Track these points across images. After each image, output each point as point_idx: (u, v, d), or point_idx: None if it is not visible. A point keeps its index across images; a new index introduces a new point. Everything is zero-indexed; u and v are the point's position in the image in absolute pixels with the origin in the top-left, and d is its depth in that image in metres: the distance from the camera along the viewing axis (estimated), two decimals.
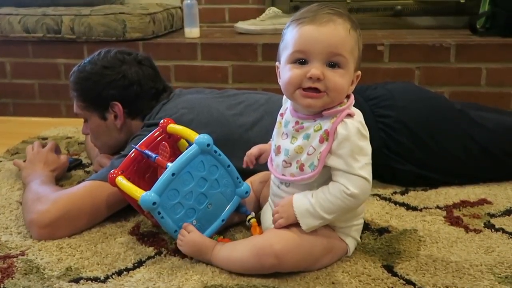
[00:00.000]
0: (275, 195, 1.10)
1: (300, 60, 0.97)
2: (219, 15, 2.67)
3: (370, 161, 0.98)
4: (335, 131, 0.96)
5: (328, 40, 0.95)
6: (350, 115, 0.98)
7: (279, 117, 1.09)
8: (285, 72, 0.99)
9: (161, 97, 1.48)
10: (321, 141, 0.98)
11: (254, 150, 1.18)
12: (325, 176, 1.00)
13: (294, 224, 1.02)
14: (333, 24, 0.95)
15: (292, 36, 0.98)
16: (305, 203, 0.99)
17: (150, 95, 1.46)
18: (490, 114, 1.52)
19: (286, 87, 1.00)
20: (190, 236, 1.06)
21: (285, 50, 1.00)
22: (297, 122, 1.03)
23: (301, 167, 1.01)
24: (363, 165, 0.96)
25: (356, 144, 0.95)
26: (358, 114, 1.00)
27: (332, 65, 0.96)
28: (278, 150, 1.06)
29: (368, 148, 0.98)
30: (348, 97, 1.02)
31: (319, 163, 0.98)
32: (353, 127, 0.96)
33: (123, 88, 1.42)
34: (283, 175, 1.05)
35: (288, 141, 1.04)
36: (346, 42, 0.96)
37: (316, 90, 0.96)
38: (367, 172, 0.97)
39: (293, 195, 1.02)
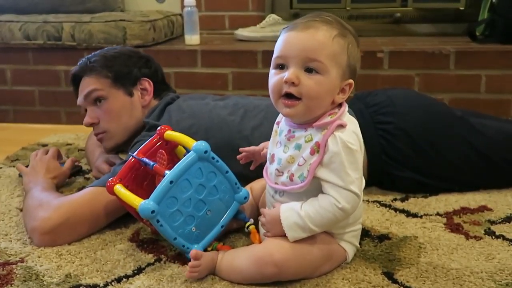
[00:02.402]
0: (269, 204, 1.10)
1: (280, 65, 0.98)
2: (219, 22, 2.68)
3: (361, 174, 0.98)
4: (326, 144, 0.96)
5: (303, 45, 0.95)
6: (342, 126, 0.97)
7: (275, 126, 1.10)
8: (270, 79, 1.01)
9: (169, 88, 1.59)
10: (312, 153, 0.98)
11: (260, 146, 1.18)
12: (317, 186, 0.99)
13: None
14: (313, 30, 0.96)
15: (277, 43, 1.00)
16: (294, 216, 0.99)
17: (164, 82, 1.59)
18: (490, 122, 1.52)
19: (271, 95, 1.01)
20: (202, 263, 1.03)
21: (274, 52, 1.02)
22: (289, 131, 1.03)
23: (291, 177, 1.01)
24: (354, 179, 0.96)
25: (347, 159, 0.95)
26: (352, 124, 1.00)
27: (310, 70, 0.96)
28: (272, 158, 1.07)
29: (359, 162, 0.97)
30: (340, 105, 1.02)
31: (309, 174, 0.98)
32: (342, 142, 0.95)
33: (152, 69, 1.53)
34: (276, 183, 1.05)
35: (281, 149, 1.04)
36: (325, 47, 0.95)
37: (291, 96, 0.96)
38: (358, 187, 0.96)
39: (280, 207, 1.01)
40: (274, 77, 0.99)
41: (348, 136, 0.96)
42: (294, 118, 1.01)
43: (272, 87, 0.99)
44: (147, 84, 1.48)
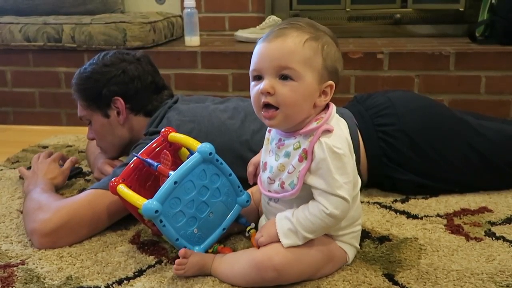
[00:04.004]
0: (265, 211, 1.11)
1: (257, 76, 0.99)
2: (219, 23, 2.68)
3: (351, 179, 0.98)
4: (312, 150, 0.96)
5: (274, 55, 0.96)
6: (328, 131, 0.97)
7: (267, 134, 1.10)
8: (251, 91, 1.01)
9: (162, 93, 1.50)
10: (300, 160, 0.98)
11: (250, 168, 1.19)
12: (309, 192, 0.99)
13: None
14: (282, 38, 0.96)
15: (252, 55, 1.01)
16: (287, 223, 1.00)
17: (151, 89, 1.49)
18: (490, 123, 1.51)
19: (253, 107, 1.02)
20: (189, 262, 1.04)
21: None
22: (279, 140, 1.04)
23: (282, 185, 1.02)
24: (342, 184, 0.96)
25: (334, 164, 0.95)
26: (339, 128, 0.99)
27: (284, 77, 0.96)
28: (264, 166, 1.07)
29: (348, 166, 0.97)
30: (327, 107, 1.02)
31: (299, 181, 0.98)
32: (328, 147, 0.95)
33: (124, 83, 1.44)
34: (269, 191, 1.06)
35: (273, 158, 1.05)
36: (296, 53, 0.95)
37: (270, 106, 0.97)
38: (346, 192, 0.96)
39: (276, 216, 1.02)
40: (253, 89, 1.00)
41: (334, 140, 0.96)
42: (277, 127, 1.02)
43: (253, 100, 1.01)
44: (119, 103, 1.44)
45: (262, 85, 0.97)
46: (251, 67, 1.00)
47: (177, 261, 1.04)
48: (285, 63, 0.95)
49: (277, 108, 0.97)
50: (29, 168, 1.56)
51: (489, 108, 2.03)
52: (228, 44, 2.39)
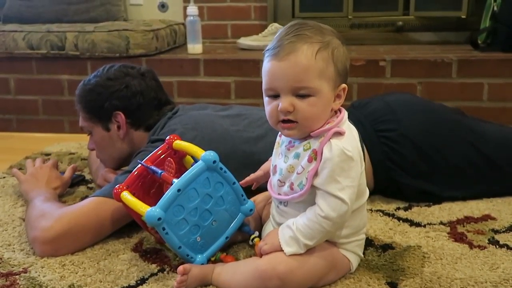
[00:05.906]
0: (275, 214, 1.10)
1: (273, 95, 0.99)
2: (221, 31, 2.69)
3: (355, 183, 0.97)
4: (322, 151, 0.96)
5: (288, 74, 0.95)
6: (339, 133, 0.97)
7: (278, 138, 1.10)
8: (266, 105, 1.01)
9: (164, 109, 1.50)
10: (310, 160, 0.98)
11: (258, 172, 1.18)
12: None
13: None
14: (294, 54, 0.94)
15: (263, 71, 0.99)
16: (288, 231, 1.00)
17: (153, 105, 1.48)
18: (494, 126, 1.52)
19: (269, 121, 1.02)
20: (189, 276, 1.03)
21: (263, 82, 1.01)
22: (289, 142, 1.04)
23: (291, 186, 1.01)
24: (344, 187, 0.95)
25: (338, 165, 0.95)
26: (350, 132, 1.00)
27: (302, 95, 0.96)
28: (274, 169, 1.07)
29: (353, 171, 0.96)
30: (339, 111, 1.02)
31: (307, 182, 0.98)
32: (337, 148, 0.95)
33: (126, 98, 1.44)
34: (279, 194, 1.05)
35: (282, 160, 1.05)
36: (311, 69, 0.94)
37: (289, 121, 0.97)
38: (347, 195, 0.96)
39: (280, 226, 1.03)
40: (268, 105, 0.99)
41: (345, 143, 0.96)
42: (296, 137, 1.01)
43: (269, 115, 1.00)
44: (120, 117, 1.44)
45: (280, 104, 0.96)
46: (265, 86, 0.99)
47: (178, 279, 1.02)
48: (302, 83, 0.94)
49: (295, 122, 0.97)
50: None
51: (492, 115, 2.03)
52: (230, 52, 2.40)
